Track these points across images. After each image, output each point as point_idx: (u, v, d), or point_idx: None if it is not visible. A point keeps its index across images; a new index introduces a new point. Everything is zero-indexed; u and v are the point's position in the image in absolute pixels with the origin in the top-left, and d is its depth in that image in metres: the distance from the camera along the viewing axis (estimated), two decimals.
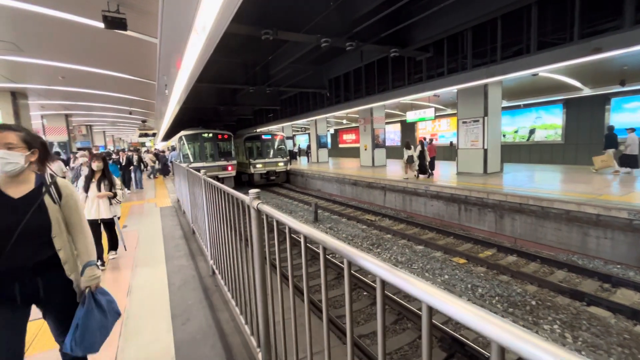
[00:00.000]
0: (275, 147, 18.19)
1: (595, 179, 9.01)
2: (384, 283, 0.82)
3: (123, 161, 11.25)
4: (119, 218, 4.40)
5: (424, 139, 13.43)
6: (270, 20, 7.03)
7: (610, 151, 9.75)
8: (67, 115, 16.91)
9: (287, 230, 1.36)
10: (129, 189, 11.47)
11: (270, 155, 17.80)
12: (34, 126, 17.76)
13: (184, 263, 4.21)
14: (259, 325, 1.95)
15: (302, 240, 1.23)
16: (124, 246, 4.57)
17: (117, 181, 4.30)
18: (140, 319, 2.88)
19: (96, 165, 4.12)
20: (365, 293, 5.38)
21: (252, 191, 1.79)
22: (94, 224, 4.05)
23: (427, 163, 11.42)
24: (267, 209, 1.61)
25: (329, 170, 16.32)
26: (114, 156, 12.12)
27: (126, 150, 17.68)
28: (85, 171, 4.17)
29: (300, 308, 2.15)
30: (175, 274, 3.83)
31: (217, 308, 2.99)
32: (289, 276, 1.38)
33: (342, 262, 6.21)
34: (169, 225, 6.32)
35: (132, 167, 12.23)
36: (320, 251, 1.09)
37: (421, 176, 11.40)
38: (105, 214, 4.15)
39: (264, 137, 18.11)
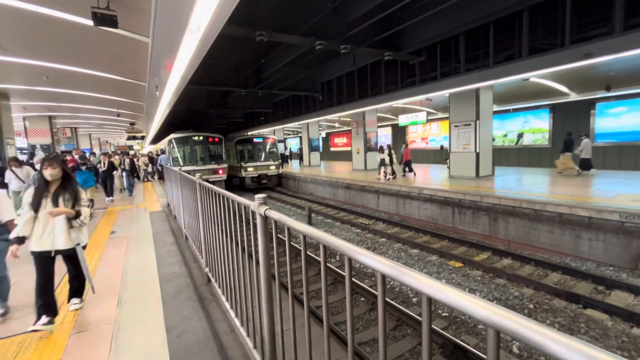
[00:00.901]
0: (267, 150, 17.98)
1: (580, 182, 9.18)
2: (430, 301, 0.72)
3: (103, 166, 9.97)
4: (84, 247, 3.02)
5: (406, 146, 14.18)
6: (265, 21, 6.94)
7: (568, 154, 10.84)
8: (50, 117, 16.36)
9: (302, 240, 1.26)
10: (112, 195, 10.29)
11: (262, 159, 17.59)
12: (16, 128, 17.14)
13: (177, 270, 4.04)
14: (264, 339, 1.83)
15: (321, 250, 1.13)
16: (92, 287, 3.17)
17: (84, 195, 3.07)
18: (132, 331, 2.71)
19: (50, 173, 2.80)
20: (362, 298, 5.28)
21: (259, 196, 1.68)
22: (46, 260, 2.81)
23: (394, 166, 12.76)
24: (276, 215, 1.50)
25: (321, 173, 16.25)
26: (92, 159, 10.30)
27: (111, 153, 17.10)
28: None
29: (314, 324, 2.04)
30: (169, 283, 3.66)
31: (215, 318, 2.85)
32: (303, 294, 1.28)
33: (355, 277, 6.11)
34: (160, 231, 6.11)
35: (122, 172, 11.50)
36: (347, 269, 0.99)
37: (388, 177, 12.41)
38: (62, 243, 2.83)
39: (255, 140, 17.88)
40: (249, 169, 16.99)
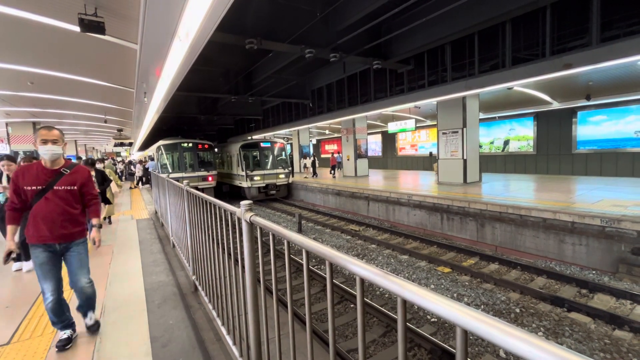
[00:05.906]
0: (276, 156, 16.12)
1: (564, 188, 9.44)
2: (405, 302, 0.75)
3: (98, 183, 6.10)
4: None
5: (332, 154, 18.86)
6: (255, 29, 7.00)
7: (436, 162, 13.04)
8: (35, 123, 15.99)
9: (285, 245, 1.27)
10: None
11: (270, 166, 15.69)
12: None
13: (163, 279, 3.97)
14: (250, 347, 1.82)
15: (304, 255, 1.15)
16: None
17: None
18: (116, 342, 2.65)
19: None
20: (352, 305, 5.28)
21: (244, 202, 1.69)
22: None
23: (317, 168, 19.20)
24: (261, 221, 1.51)
25: (312, 180, 16.25)
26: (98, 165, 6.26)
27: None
28: None
29: (301, 330, 2.03)
30: (155, 291, 3.60)
31: (201, 327, 2.81)
32: (287, 298, 1.28)
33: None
34: (146, 239, 6.00)
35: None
36: (328, 273, 1.01)
37: (306, 176, 17.93)
38: None
39: (262, 144, 16.02)
40: (255, 178, 15.01)
